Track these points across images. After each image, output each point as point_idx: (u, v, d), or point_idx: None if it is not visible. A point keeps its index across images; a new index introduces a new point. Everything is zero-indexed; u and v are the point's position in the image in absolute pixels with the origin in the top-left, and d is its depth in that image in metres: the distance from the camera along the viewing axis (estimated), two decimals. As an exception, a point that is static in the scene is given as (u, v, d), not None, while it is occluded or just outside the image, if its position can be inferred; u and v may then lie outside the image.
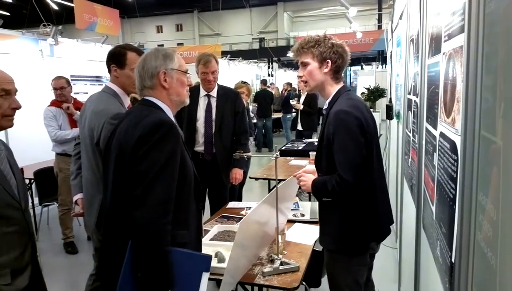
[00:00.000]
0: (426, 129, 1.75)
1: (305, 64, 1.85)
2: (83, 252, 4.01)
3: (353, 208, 1.81)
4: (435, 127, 1.47)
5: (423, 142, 1.86)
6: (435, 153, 1.46)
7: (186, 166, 1.55)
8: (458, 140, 1.04)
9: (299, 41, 1.90)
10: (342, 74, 1.89)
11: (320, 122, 4.01)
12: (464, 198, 0.96)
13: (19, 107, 1.45)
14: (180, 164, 1.50)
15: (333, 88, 1.86)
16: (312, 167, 2.04)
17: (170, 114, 1.62)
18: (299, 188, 2.08)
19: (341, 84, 1.89)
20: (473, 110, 0.89)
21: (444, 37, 1.30)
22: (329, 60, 1.80)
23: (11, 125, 1.46)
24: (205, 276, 1.54)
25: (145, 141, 1.43)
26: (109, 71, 2.23)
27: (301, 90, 7.93)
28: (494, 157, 0.80)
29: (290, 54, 1.91)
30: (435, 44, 1.51)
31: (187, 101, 1.71)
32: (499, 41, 0.79)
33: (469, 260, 0.97)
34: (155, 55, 1.58)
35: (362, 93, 11.44)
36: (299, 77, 1.90)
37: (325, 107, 1.91)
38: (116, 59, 2.18)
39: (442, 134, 1.31)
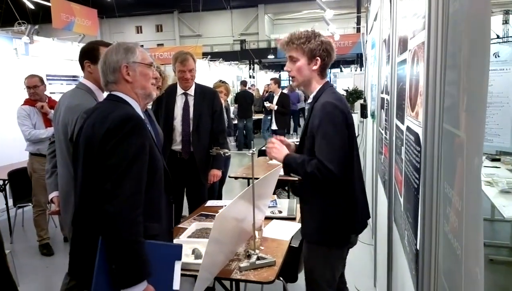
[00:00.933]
0: (396, 125, 1.82)
1: (293, 59, 1.87)
2: (58, 254, 3.94)
3: (334, 200, 1.85)
4: (402, 122, 1.53)
5: (394, 138, 1.93)
6: (402, 147, 1.52)
7: (155, 159, 1.56)
8: (420, 132, 1.09)
9: (288, 35, 1.90)
10: (327, 72, 1.94)
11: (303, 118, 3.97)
12: (426, 186, 1.01)
13: None
14: (149, 157, 1.50)
15: (318, 84, 1.90)
16: (287, 141, 2.06)
17: (138, 109, 1.62)
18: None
19: (325, 80, 1.93)
20: (433, 102, 0.95)
21: (411, 36, 1.36)
22: (318, 58, 1.83)
23: None
24: (178, 264, 1.59)
25: (113, 135, 1.43)
26: (83, 68, 2.22)
27: (273, 92, 8.18)
28: (458, 149, 0.82)
29: (279, 47, 1.93)
30: (403, 43, 1.58)
31: (153, 94, 1.70)
32: (462, 38, 0.82)
33: (432, 246, 1.02)
34: (116, 50, 1.57)
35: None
36: (287, 71, 1.92)
37: (309, 101, 1.94)
38: (89, 54, 2.18)
39: (408, 128, 1.37)
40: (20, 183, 4.25)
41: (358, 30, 19.50)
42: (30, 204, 4.14)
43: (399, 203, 1.67)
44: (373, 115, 3.93)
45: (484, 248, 0.72)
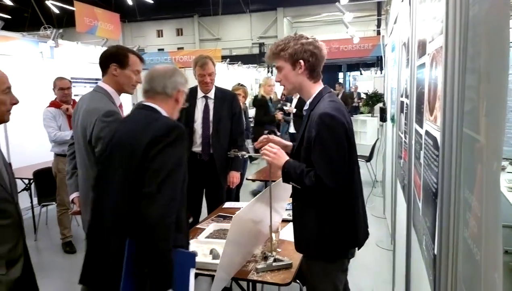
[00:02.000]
0: (415, 129, 1.80)
1: (279, 69, 1.82)
2: (81, 252, 4.03)
3: (331, 212, 1.75)
4: (421, 126, 1.53)
5: (413, 142, 1.91)
6: (421, 151, 1.51)
7: (186, 170, 1.61)
8: (439, 136, 1.09)
9: (270, 47, 1.87)
10: (320, 73, 1.82)
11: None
12: (444, 190, 1.01)
13: (17, 102, 1.52)
14: (184, 168, 1.58)
15: (313, 89, 1.81)
16: (284, 142, 2.00)
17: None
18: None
19: (321, 85, 1.83)
20: (451, 106, 0.94)
21: (429, 40, 1.35)
22: (301, 61, 1.73)
23: (9, 120, 1.51)
24: (192, 272, 1.61)
25: (160, 141, 1.50)
26: (105, 69, 2.23)
27: (293, 95, 8.13)
28: (478, 154, 0.81)
29: (266, 60, 1.88)
30: (422, 47, 1.57)
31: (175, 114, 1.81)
32: (482, 42, 0.81)
33: (450, 250, 1.02)
34: (181, 74, 1.78)
35: (362, 98, 11.50)
36: (277, 81, 1.87)
37: (305, 108, 1.86)
38: (118, 58, 2.21)
39: (427, 132, 1.36)
40: (45, 182, 4.38)
41: (378, 33, 19.31)
42: (54, 202, 4.26)
43: (417, 208, 1.66)
44: (392, 119, 3.89)
45: (505, 255, 0.72)
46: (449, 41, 0.99)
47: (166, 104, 1.69)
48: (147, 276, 1.41)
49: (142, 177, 1.47)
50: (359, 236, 1.83)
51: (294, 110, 7.33)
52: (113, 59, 2.21)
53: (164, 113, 1.68)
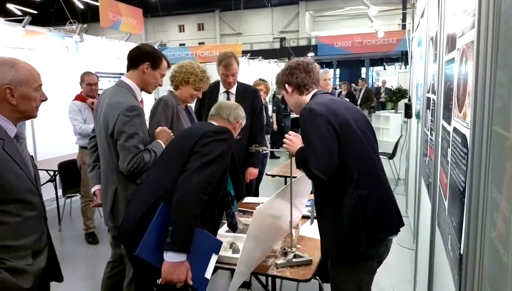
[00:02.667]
0: (442, 126, 1.75)
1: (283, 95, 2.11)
2: (103, 242, 4.13)
3: (342, 211, 1.75)
4: (449, 123, 1.48)
5: (439, 139, 1.86)
6: (449, 149, 1.46)
7: (225, 175, 1.90)
8: (468, 134, 1.06)
9: None
10: (311, 85, 1.95)
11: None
12: (472, 189, 0.97)
13: (46, 99, 1.55)
14: (224, 167, 1.84)
15: (307, 98, 1.97)
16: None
17: None
18: None
19: (311, 94, 1.97)
20: (481, 103, 0.91)
21: (459, 34, 1.31)
22: (286, 84, 1.99)
23: (37, 116, 1.56)
24: (214, 257, 1.79)
25: (211, 135, 1.80)
26: (135, 65, 2.25)
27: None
28: (508, 152, 0.78)
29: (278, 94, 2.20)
30: (451, 41, 1.52)
31: None
32: None
33: (477, 250, 0.99)
34: (243, 110, 2.17)
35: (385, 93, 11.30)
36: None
37: None
38: (153, 59, 2.25)
39: (455, 129, 1.32)
40: (69, 174, 4.49)
41: (404, 27, 18.90)
42: (78, 194, 4.37)
43: (443, 207, 1.61)
44: (418, 116, 3.81)
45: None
46: (481, 36, 0.95)
47: (221, 122, 2.03)
48: (169, 234, 1.59)
49: (189, 158, 1.75)
50: (376, 234, 1.76)
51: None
52: (148, 58, 2.24)
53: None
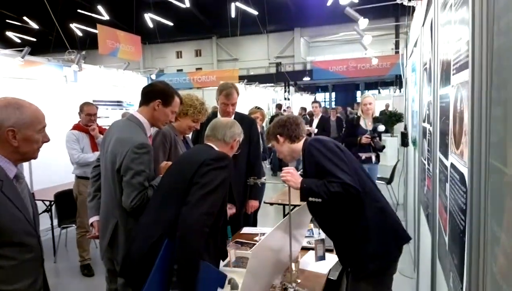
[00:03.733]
0: (439, 158, 1.76)
1: (274, 146, 2.25)
2: (99, 275, 4.04)
3: (367, 225, 1.89)
4: (446, 157, 1.48)
5: (437, 171, 1.86)
6: (447, 183, 1.46)
7: (225, 201, 1.93)
8: (466, 173, 1.05)
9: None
10: (301, 134, 2.17)
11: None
12: (472, 233, 0.96)
13: (49, 140, 1.55)
14: (225, 193, 1.86)
15: (299, 145, 2.15)
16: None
17: None
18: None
19: (303, 139, 2.17)
20: (478, 143, 0.91)
21: (453, 70, 1.33)
22: (277, 135, 2.18)
23: (37, 157, 1.55)
24: None
25: (210, 163, 1.81)
26: (147, 101, 2.27)
27: (313, 115, 8.08)
28: (507, 188, 0.79)
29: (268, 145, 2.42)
30: (445, 75, 1.54)
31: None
32: (509, 73, 0.80)
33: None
34: (238, 127, 2.15)
35: (377, 117, 11.38)
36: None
37: (302, 152, 2.13)
38: (165, 96, 2.26)
39: (452, 165, 1.32)
40: (65, 204, 4.44)
41: (397, 52, 19.24)
42: (74, 225, 4.31)
43: (443, 241, 1.60)
44: (414, 143, 3.82)
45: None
46: (475, 76, 0.96)
47: (222, 148, 2.02)
48: (175, 273, 1.61)
49: (189, 189, 1.76)
50: (400, 241, 1.96)
51: (316, 130, 7.29)
52: (160, 95, 2.26)
53: (217, 149, 2.01)
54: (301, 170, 5.94)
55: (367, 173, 2.10)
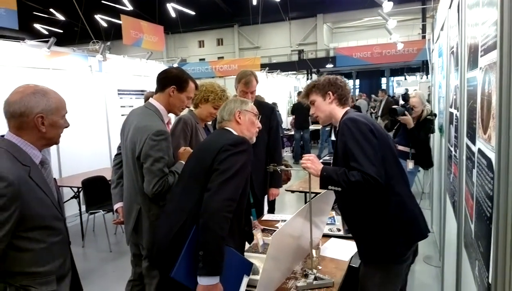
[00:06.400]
0: (467, 145, 1.70)
1: (313, 102, 2.12)
2: (126, 259, 4.15)
3: (381, 214, 1.85)
4: (474, 143, 1.43)
5: (464, 157, 1.81)
6: (474, 170, 1.41)
7: (247, 184, 1.89)
8: (493, 158, 1.01)
9: (303, 89, 2.24)
10: (348, 100, 2.08)
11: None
12: (499, 219, 0.93)
13: (69, 125, 1.60)
14: (246, 177, 1.83)
15: (341, 112, 2.04)
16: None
17: None
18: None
19: (347, 108, 2.07)
20: (506, 128, 0.87)
21: (481, 52, 1.27)
22: (329, 92, 2.04)
23: (59, 142, 1.60)
24: (246, 279, 1.81)
25: (228, 149, 1.79)
26: (162, 88, 2.30)
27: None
28: None
29: (301, 100, 2.25)
30: (473, 58, 1.48)
31: (254, 139, 2.06)
32: None
33: (506, 282, 0.94)
34: (234, 101, 2.07)
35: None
36: (312, 115, 2.16)
37: (338, 127, 2.05)
38: (179, 82, 2.28)
39: (480, 151, 1.27)
40: (93, 190, 4.58)
41: (423, 37, 18.65)
42: (101, 210, 4.44)
43: (469, 228, 1.55)
44: (441, 129, 3.72)
45: None
46: (504, 56, 0.92)
47: (235, 127, 2.00)
48: (200, 260, 1.63)
49: (210, 175, 1.75)
50: (411, 233, 1.88)
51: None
52: (175, 81, 2.28)
53: (235, 133, 1.98)
54: (323, 158, 5.66)
55: (399, 161, 1.96)
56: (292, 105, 11.49)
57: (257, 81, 3.19)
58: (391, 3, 6.35)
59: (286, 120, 13.07)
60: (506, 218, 0.93)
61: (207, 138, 2.14)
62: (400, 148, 4.07)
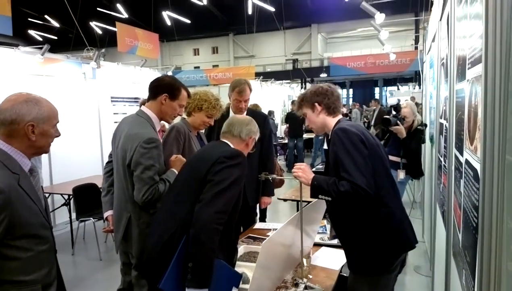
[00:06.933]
0: (455, 155, 1.72)
1: (305, 115, 2.13)
2: (116, 267, 4.11)
3: (370, 224, 1.84)
4: (461, 153, 1.45)
5: (452, 168, 1.83)
6: (461, 180, 1.43)
7: (240, 198, 1.90)
8: (479, 169, 1.03)
9: (295, 102, 2.26)
10: (338, 109, 2.07)
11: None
12: (484, 226, 0.94)
13: (60, 135, 1.60)
14: (239, 191, 1.84)
15: (333, 121, 2.04)
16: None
17: None
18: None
19: (339, 117, 2.07)
20: (491, 135, 0.89)
21: (468, 64, 1.30)
22: (315, 103, 2.04)
23: (49, 151, 1.59)
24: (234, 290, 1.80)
25: (224, 161, 1.80)
26: (154, 96, 2.29)
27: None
28: None
29: (296, 112, 2.25)
30: (461, 70, 1.51)
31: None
32: None
33: (490, 290, 0.95)
34: (254, 125, 2.11)
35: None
36: (308, 125, 2.18)
37: (329, 136, 2.05)
38: (171, 90, 2.28)
39: (467, 161, 1.29)
40: (83, 198, 4.54)
41: (417, 48, 18.88)
42: (91, 218, 4.40)
43: (457, 238, 1.57)
44: (431, 140, 3.75)
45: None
46: (488, 68, 0.94)
47: (237, 145, 2.01)
48: (189, 271, 1.63)
49: (203, 186, 1.76)
50: (399, 243, 1.88)
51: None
52: (167, 89, 2.27)
53: (232, 146, 1.99)
54: (316, 167, 5.63)
55: (389, 172, 1.96)
56: (286, 114, 11.53)
57: (250, 90, 3.20)
58: (383, 15, 6.44)
59: (280, 128, 13.12)
60: (491, 227, 0.94)
61: (202, 149, 2.15)
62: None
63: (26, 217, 1.40)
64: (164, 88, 2.27)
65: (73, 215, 4.67)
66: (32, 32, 19.81)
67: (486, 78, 0.93)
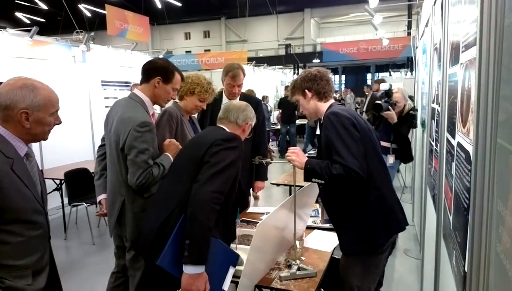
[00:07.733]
0: (447, 139, 1.74)
1: (298, 101, 2.16)
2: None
3: (361, 207, 1.89)
4: (453, 136, 1.47)
5: (444, 151, 1.85)
6: (453, 163, 1.45)
7: (236, 180, 1.91)
8: (472, 151, 1.05)
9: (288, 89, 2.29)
10: (330, 93, 2.07)
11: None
12: (475, 208, 0.96)
13: (60, 122, 1.56)
14: (236, 173, 1.86)
15: (325, 106, 2.06)
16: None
17: None
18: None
19: (330, 102, 2.08)
20: (484, 118, 0.90)
21: (462, 48, 1.30)
22: (305, 90, 2.06)
23: (47, 139, 1.57)
24: (231, 270, 1.83)
25: (220, 143, 1.83)
26: (147, 79, 2.26)
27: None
28: None
29: (290, 99, 2.25)
30: (455, 54, 1.51)
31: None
32: None
33: (481, 270, 0.98)
34: (251, 111, 2.13)
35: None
36: (302, 111, 2.21)
37: (322, 119, 2.06)
38: (164, 73, 2.25)
39: (459, 144, 1.31)
40: (75, 183, 4.52)
41: (409, 33, 18.84)
42: (84, 203, 4.38)
43: (448, 220, 1.60)
44: (423, 125, 3.78)
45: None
46: (483, 52, 0.95)
47: (234, 131, 2.03)
48: (186, 248, 1.66)
49: (200, 168, 1.79)
50: (390, 225, 1.92)
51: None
52: (160, 72, 2.24)
53: (228, 131, 2.01)
54: (308, 152, 5.68)
55: (381, 156, 2.00)
56: (278, 99, 11.51)
57: (244, 75, 3.18)
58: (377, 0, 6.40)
59: (273, 114, 13.10)
60: (482, 208, 0.96)
61: (199, 134, 2.17)
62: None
63: (17, 202, 1.39)
64: (157, 71, 2.24)
65: (65, 200, 4.65)
66: (19, 15, 19.35)
67: (480, 60, 0.94)
